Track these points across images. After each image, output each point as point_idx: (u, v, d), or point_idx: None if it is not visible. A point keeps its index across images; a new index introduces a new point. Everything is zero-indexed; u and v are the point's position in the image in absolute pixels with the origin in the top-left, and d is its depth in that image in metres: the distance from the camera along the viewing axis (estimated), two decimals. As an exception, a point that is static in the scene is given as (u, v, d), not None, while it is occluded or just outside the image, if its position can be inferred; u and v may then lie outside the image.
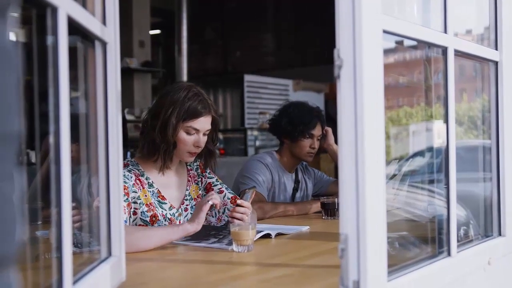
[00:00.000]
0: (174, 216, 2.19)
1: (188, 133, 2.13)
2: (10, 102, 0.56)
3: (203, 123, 2.15)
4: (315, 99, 7.11)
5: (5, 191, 0.55)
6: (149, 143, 2.14)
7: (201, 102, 2.14)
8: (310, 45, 8.98)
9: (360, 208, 1.13)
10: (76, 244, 1.31)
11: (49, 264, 1.30)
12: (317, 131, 2.94)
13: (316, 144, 2.95)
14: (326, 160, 6.54)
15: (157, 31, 10.09)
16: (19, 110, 0.59)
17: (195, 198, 2.29)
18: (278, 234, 2.12)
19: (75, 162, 1.15)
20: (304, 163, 3.13)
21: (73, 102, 1.08)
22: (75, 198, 1.14)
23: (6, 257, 0.56)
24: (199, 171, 2.35)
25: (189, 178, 2.31)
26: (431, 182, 1.92)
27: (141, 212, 2.10)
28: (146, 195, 2.13)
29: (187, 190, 2.28)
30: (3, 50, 0.56)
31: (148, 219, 2.11)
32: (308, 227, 2.32)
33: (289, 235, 2.16)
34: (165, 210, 2.16)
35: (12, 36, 0.60)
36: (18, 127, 0.58)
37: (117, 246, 1.35)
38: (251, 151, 7.05)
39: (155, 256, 1.80)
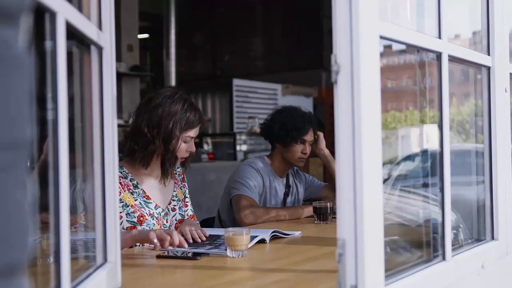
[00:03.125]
0: (160, 215, 2.25)
1: (185, 142, 2.24)
2: (22, 109, 0.56)
3: (197, 130, 2.28)
4: (304, 103, 7.11)
5: (18, 198, 0.55)
6: (150, 154, 2.20)
7: (198, 112, 2.26)
8: (299, 49, 9.01)
9: (358, 213, 1.14)
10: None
11: (42, 270, 1.29)
12: (309, 137, 2.95)
13: (308, 150, 2.95)
14: (315, 164, 6.55)
15: (146, 35, 10.07)
16: (31, 117, 0.59)
17: (181, 200, 2.38)
18: (274, 237, 2.13)
19: (70, 167, 1.14)
20: (295, 167, 3.13)
21: (68, 106, 1.07)
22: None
23: (20, 264, 0.56)
24: (180, 178, 2.44)
25: (176, 181, 2.40)
26: (422, 186, 1.93)
27: (126, 214, 2.15)
28: (129, 197, 2.17)
29: (174, 191, 2.36)
30: (16, 58, 0.56)
31: (135, 219, 2.16)
32: (300, 232, 2.32)
33: (282, 240, 2.16)
34: (151, 209, 2.22)
35: (24, 42, 0.59)
36: (30, 134, 0.58)
37: (113, 252, 1.34)
38: (240, 155, 7.04)
39: (150, 262, 1.79)
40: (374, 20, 1.18)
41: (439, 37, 1.49)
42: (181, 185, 2.42)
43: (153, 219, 2.20)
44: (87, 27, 1.18)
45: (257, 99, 7.98)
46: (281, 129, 2.92)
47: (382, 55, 1.49)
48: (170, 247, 1.93)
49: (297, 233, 2.30)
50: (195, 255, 1.81)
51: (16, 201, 0.55)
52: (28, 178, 0.58)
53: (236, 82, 7.86)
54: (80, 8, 1.23)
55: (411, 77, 1.89)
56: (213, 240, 2.08)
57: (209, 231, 2.25)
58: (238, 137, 7.15)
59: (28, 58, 0.59)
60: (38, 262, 1.40)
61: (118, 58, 7.12)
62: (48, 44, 0.98)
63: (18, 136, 0.55)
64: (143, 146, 2.18)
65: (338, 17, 1.15)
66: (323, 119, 7.14)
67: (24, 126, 0.56)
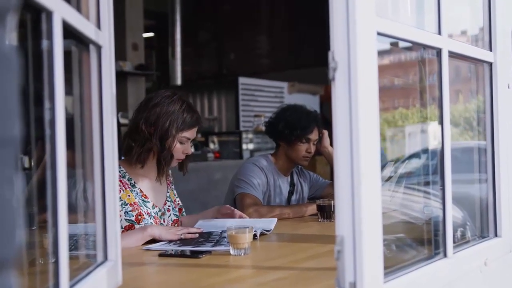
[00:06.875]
0: (157, 215, 2.29)
1: (181, 142, 2.27)
2: (11, 106, 0.57)
3: (194, 132, 2.31)
4: (310, 101, 7.11)
5: (6, 195, 0.56)
6: (146, 151, 2.23)
7: (195, 114, 2.29)
8: (304, 47, 8.99)
9: (356, 209, 1.13)
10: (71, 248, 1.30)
11: (43, 269, 1.29)
12: (314, 136, 2.94)
13: (312, 149, 2.94)
14: (322, 162, 6.54)
15: (151, 34, 10.08)
16: (19, 114, 0.59)
17: (173, 201, 2.42)
18: (262, 234, 2.16)
19: (70, 167, 1.15)
20: (300, 166, 3.13)
21: (67, 106, 1.08)
22: (70, 203, 1.14)
23: (6, 260, 0.56)
24: (171, 181, 2.48)
25: (168, 183, 2.44)
26: (427, 183, 1.93)
27: (125, 213, 2.17)
28: (129, 195, 2.21)
29: (167, 192, 2.41)
30: (3, 56, 0.57)
31: (133, 218, 2.19)
32: (275, 219, 2.35)
33: (286, 238, 2.17)
34: (149, 208, 2.25)
35: (12, 41, 0.60)
36: (18, 131, 0.58)
37: (113, 250, 1.35)
38: (246, 154, 7.03)
39: (151, 261, 1.79)
40: (371, 16, 1.18)
41: (439, 33, 1.49)
42: (172, 187, 2.47)
43: (150, 218, 2.23)
44: (85, 26, 1.19)
45: (263, 97, 7.97)
46: (286, 128, 2.91)
47: (388, 52, 1.48)
48: (172, 247, 1.94)
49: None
50: (197, 253, 1.82)
51: (4, 197, 0.56)
52: (16, 175, 0.59)
53: (242, 80, 7.85)
54: (78, 7, 1.23)
55: (418, 74, 1.88)
56: (207, 237, 2.07)
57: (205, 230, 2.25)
58: (244, 135, 7.14)
59: (16, 56, 0.59)
60: (40, 261, 1.41)
61: (123, 57, 7.13)
62: (44, 43, 0.99)
63: (6, 134, 0.56)
64: (140, 143, 2.22)
65: (335, 14, 1.15)
66: (329, 117, 7.12)
67: (12, 124, 0.57)
